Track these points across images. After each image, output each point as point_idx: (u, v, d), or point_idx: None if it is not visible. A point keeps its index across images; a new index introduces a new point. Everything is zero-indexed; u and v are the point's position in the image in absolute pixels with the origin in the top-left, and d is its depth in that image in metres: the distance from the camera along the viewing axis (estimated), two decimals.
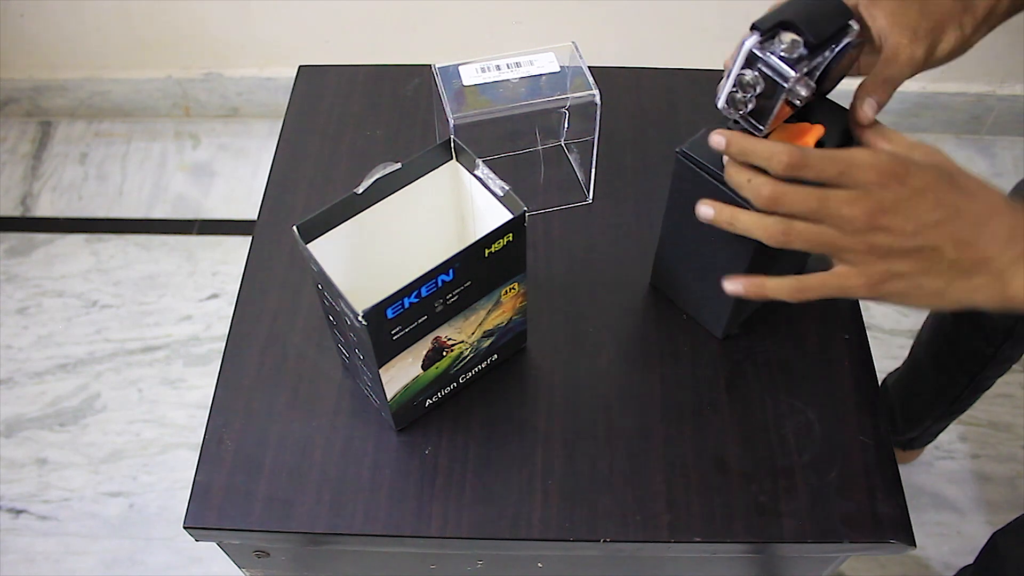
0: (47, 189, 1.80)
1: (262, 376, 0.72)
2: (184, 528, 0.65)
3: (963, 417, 1.46)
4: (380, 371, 0.61)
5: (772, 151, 0.54)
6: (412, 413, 0.68)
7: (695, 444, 0.68)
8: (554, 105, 0.73)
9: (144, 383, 1.53)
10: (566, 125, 0.83)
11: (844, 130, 0.61)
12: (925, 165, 0.53)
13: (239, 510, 0.65)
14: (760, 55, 0.55)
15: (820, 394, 0.71)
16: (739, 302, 0.69)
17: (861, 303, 0.77)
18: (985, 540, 0.92)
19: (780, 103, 0.57)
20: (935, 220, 0.52)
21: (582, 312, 0.75)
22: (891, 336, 1.55)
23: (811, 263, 0.78)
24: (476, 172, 0.63)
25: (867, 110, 0.59)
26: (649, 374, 0.72)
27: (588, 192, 0.82)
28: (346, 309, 0.56)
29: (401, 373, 0.63)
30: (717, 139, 0.56)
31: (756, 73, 0.56)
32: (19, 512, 1.39)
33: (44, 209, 1.77)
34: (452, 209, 0.68)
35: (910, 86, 0.63)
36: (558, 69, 0.75)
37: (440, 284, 0.58)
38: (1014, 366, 1.42)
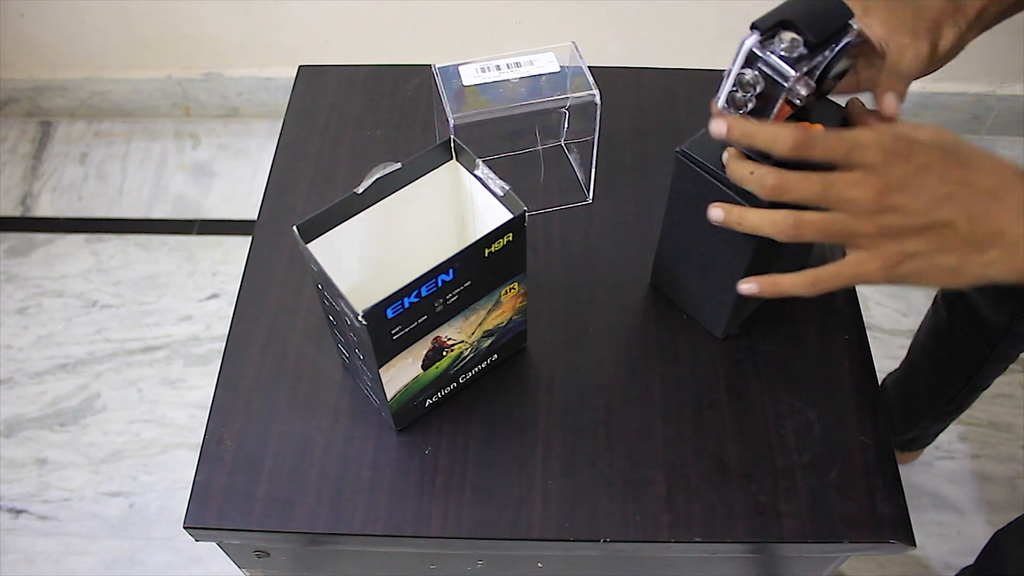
0: (47, 189, 1.80)
1: (262, 376, 0.72)
2: (184, 528, 0.65)
3: (963, 417, 1.45)
4: (380, 371, 0.61)
5: (776, 132, 0.53)
6: (412, 413, 0.68)
7: (695, 444, 0.68)
8: (554, 105, 0.73)
9: (144, 383, 1.53)
10: (566, 125, 0.83)
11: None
12: (929, 142, 0.53)
13: (239, 510, 0.65)
14: (760, 54, 0.55)
15: (820, 394, 0.71)
16: (739, 302, 0.69)
17: (861, 303, 0.77)
18: (985, 540, 0.92)
19: (780, 103, 0.57)
20: (943, 195, 0.51)
21: (582, 312, 0.75)
22: (891, 336, 1.55)
23: (813, 261, 0.78)
24: (476, 172, 0.63)
25: (891, 102, 0.60)
26: (649, 374, 0.72)
27: (588, 192, 0.82)
28: (346, 309, 0.56)
29: (401, 373, 0.63)
30: (718, 125, 0.55)
31: (756, 73, 0.56)
32: (19, 512, 1.39)
33: (44, 209, 1.77)
34: (452, 209, 0.68)
35: (910, 86, 0.63)
36: (558, 69, 0.75)
37: (440, 284, 0.58)
38: (1013, 366, 1.42)
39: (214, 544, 0.70)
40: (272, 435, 0.69)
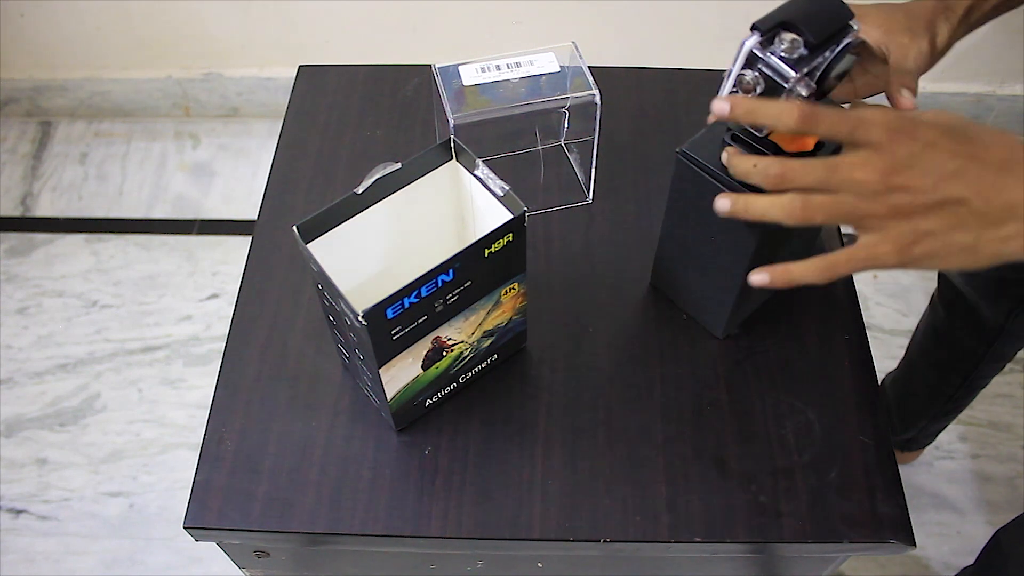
0: (47, 189, 1.80)
1: (262, 376, 0.72)
2: (184, 528, 0.65)
3: (963, 417, 1.45)
4: (380, 371, 0.61)
5: (781, 107, 0.52)
6: (412, 413, 0.68)
7: (695, 444, 0.68)
8: (554, 105, 0.73)
9: (144, 383, 1.53)
10: (566, 125, 0.83)
11: None
12: (934, 121, 0.52)
13: (239, 510, 0.65)
14: (760, 55, 0.55)
15: (820, 394, 0.71)
16: (739, 302, 0.69)
17: (861, 303, 0.77)
18: (985, 540, 0.92)
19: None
20: (952, 171, 0.50)
21: (582, 312, 0.75)
22: (891, 336, 1.55)
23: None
24: (476, 172, 0.63)
25: (907, 97, 0.60)
26: (649, 374, 0.72)
27: (588, 192, 0.82)
28: (346, 309, 0.56)
29: (401, 373, 0.63)
30: (721, 105, 0.54)
31: (756, 73, 0.56)
32: (19, 512, 1.39)
33: (44, 209, 1.77)
34: (452, 209, 0.68)
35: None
36: (558, 69, 0.75)
37: (440, 284, 0.58)
38: (1013, 366, 1.42)
39: (214, 544, 0.70)
40: (272, 435, 0.69)
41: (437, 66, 0.74)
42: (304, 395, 0.71)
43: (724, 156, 0.59)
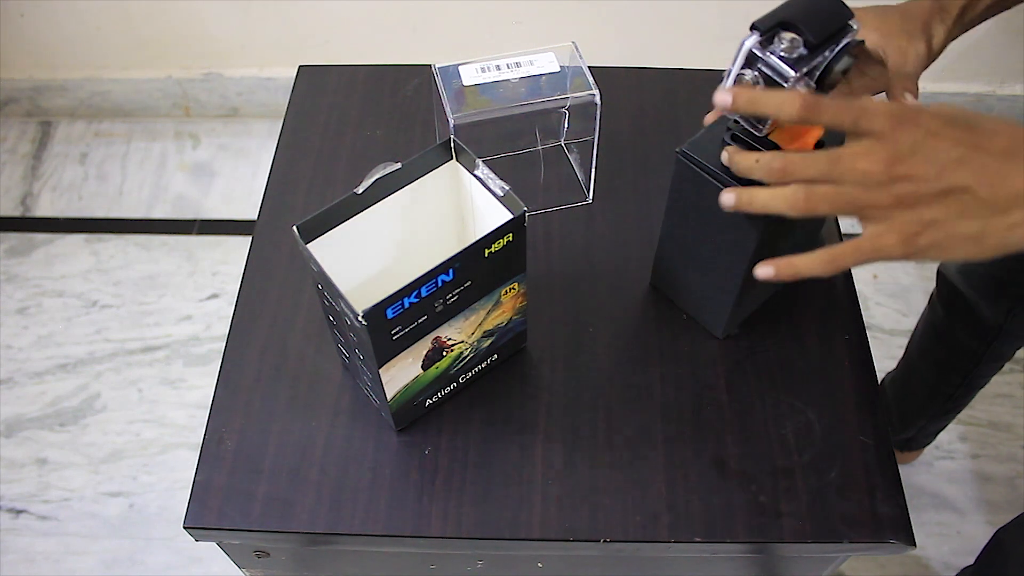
0: (47, 189, 1.80)
1: (262, 376, 0.72)
2: (184, 528, 0.65)
3: (963, 417, 1.45)
4: (380, 371, 0.61)
5: (783, 96, 0.52)
6: (412, 413, 0.68)
7: (695, 444, 0.68)
8: (554, 105, 0.73)
9: (144, 383, 1.53)
10: (566, 125, 0.83)
11: None
12: (937, 111, 0.52)
13: (239, 510, 0.65)
14: (760, 55, 0.55)
15: (820, 394, 0.71)
16: (739, 302, 0.69)
17: (861, 303, 0.77)
18: (985, 540, 0.92)
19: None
20: (956, 159, 0.50)
21: (582, 312, 0.75)
22: (891, 336, 1.55)
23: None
24: (476, 172, 0.63)
25: (909, 100, 0.61)
26: (649, 374, 0.72)
27: (588, 192, 0.82)
28: (346, 309, 0.56)
29: (401, 373, 0.63)
30: (723, 96, 0.54)
31: (756, 73, 0.56)
32: (19, 512, 1.39)
33: (44, 209, 1.77)
34: (452, 209, 0.68)
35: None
36: (558, 69, 0.75)
37: (440, 284, 0.58)
38: (1013, 366, 1.42)
39: (214, 544, 0.70)
40: (272, 435, 0.69)
41: (437, 66, 0.74)
42: (304, 395, 0.71)
43: (724, 156, 0.59)
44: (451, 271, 0.58)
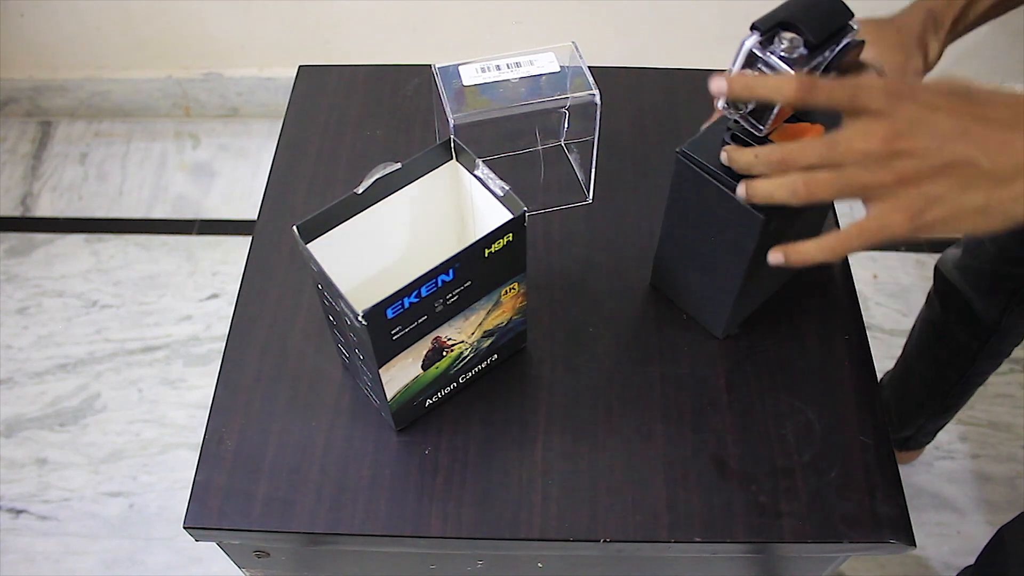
0: (47, 189, 1.80)
1: (262, 376, 0.72)
2: (184, 528, 0.65)
3: (963, 417, 1.46)
4: (380, 371, 0.61)
5: (779, 79, 0.52)
6: (412, 413, 0.68)
7: (695, 444, 0.68)
8: (554, 105, 0.73)
9: (144, 383, 1.53)
10: (566, 125, 0.83)
11: None
12: (935, 84, 0.51)
13: (239, 510, 0.65)
14: (760, 55, 0.55)
15: (820, 394, 0.71)
16: (739, 302, 0.69)
17: (861, 303, 0.77)
18: (985, 540, 0.92)
19: (778, 106, 0.57)
20: (956, 131, 0.49)
21: (582, 312, 0.75)
22: (891, 336, 1.55)
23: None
24: (476, 172, 0.63)
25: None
26: (649, 374, 0.72)
27: (588, 192, 0.82)
28: (346, 309, 0.56)
29: (401, 373, 0.63)
30: (718, 83, 0.54)
31: (756, 73, 0.56)
32: (19, 512, 1.39)
33: (44, 209, 1.77)
34: (452, 209, 0.68)
35: None
36: (558, 69, 0.75)
37: (440, 284, 0.58)
38: (1013, 366, 1.42)
39: (214, 544, 0.70)
40: (272, 435, 0.69)
41: (437, 66, 0.74)
42: (304, 395, 0.71)
43: (723, 155, 0.59)
44: (451, 271, 0.58)
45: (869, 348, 0.74)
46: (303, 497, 0.66)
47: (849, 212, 1.67)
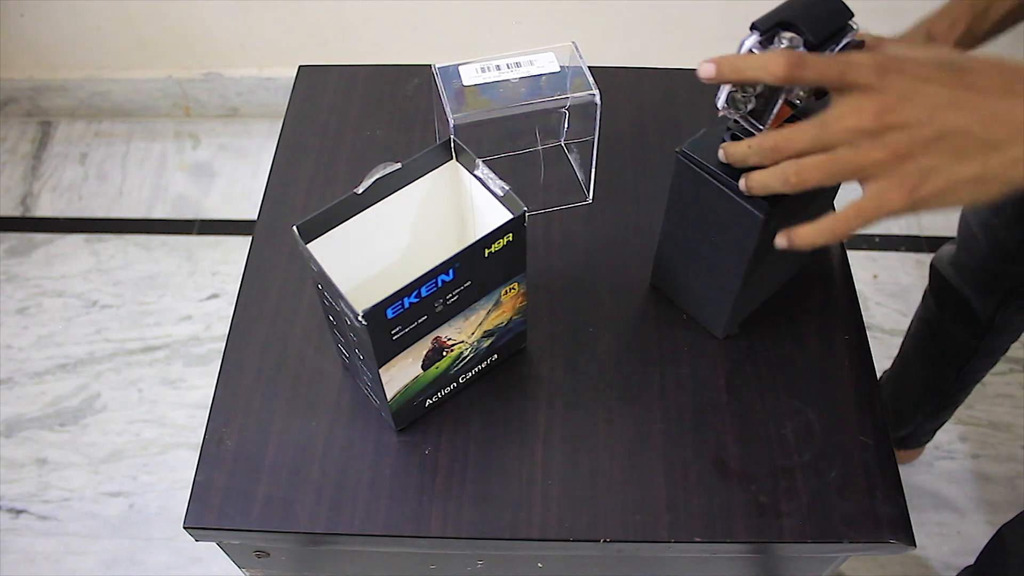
0: (47, 189, 1.80)
1: (262, 376, 0.72)
2: (184, 528, 0.65)
3: (963, 417, 1.46)
4: (380, 371, 0.61)
5: (767, 57, 0.51)
6: (412, 413, 0.68)
7: (695, 444, 0.68)
8: (554, 105, 0.73)
9: (144, 383, 1.53)
10: (566, 125, 0.83)
11: None
12: (924, 56, 0.51)
13: (239, 510, 0.65)
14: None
15: (820, 394, 0.71)
16: (739, 302, 0.69)
17: (861, 303, 0.77)
18: (985, 540, 0.92)
19: (780, 103, 0.57)
20: (947, 101, 0.49)
21: (582, 312, 0.75)
22: (891, 336, 1.55)
23: (816, 256, 0.78)
24: (476, 172, 0.63)
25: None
26: (649, 374, 0.72)
27: (588, 192, 0.82)
28: (346, 309, 0.56)
29: (401, 373, 0.63)
30: (707, 67, 0.53)
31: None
32: (19, 512, 1.39)
33: (44, 209, 1.77)
34: (452, 209, 0.68)
35: None
36: (558, 69, 0.75)
37: (440, 284, 0.58)
38: (1013, 366, 1.42)
39: (214, 544, 0.70)
40: (272, 435, 0.69)
41: (437, 66, 0.74)
42: (304, 395, 0.71)
43: (720, 153, 0.59)
44: (451, 271, 0.58)
45: (869, 348, 0.74)
46: (303, 497, 0.66)
47: None
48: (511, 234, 0.60)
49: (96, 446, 1.46)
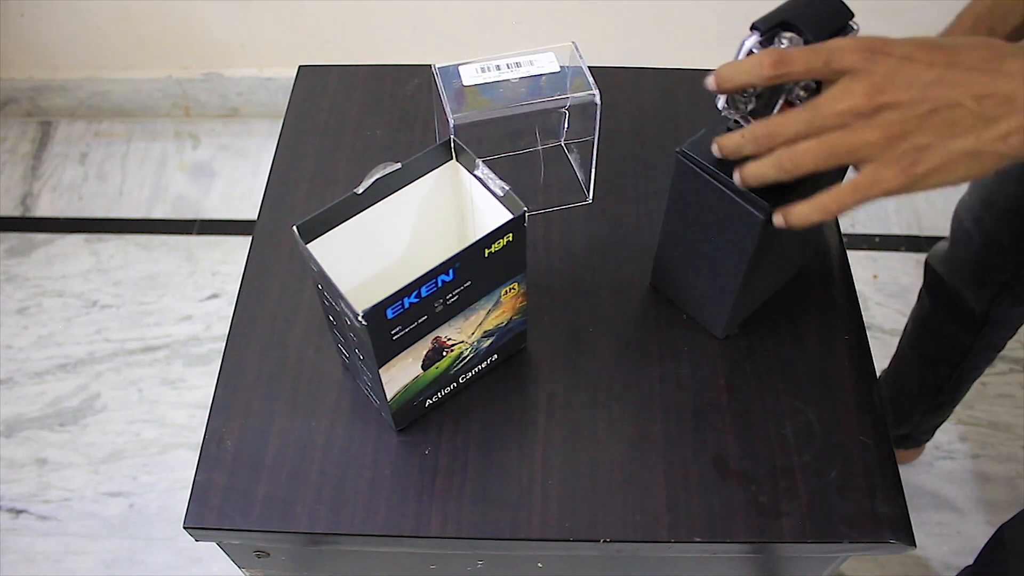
0: (47, 189, 1.80)
1: (262, 376, 0.72)
2: (184, 528, 0.65)
3: (963, 417, 1.46)
4: (380, 371, 0.61)
5: (753, 60, 0.52)
6: (412, 413, 0.68)
7: (695, 444, 0.68)
8: (554, 105, 0.73)
9: (144, 383, 1.53)
10: (566, 125, 0.83)
11: None
12: (906, 39, 0.51)
13: (239, 510, 0.65)
14: None
15: (820, 394, 0.71)
16: (739, 302, 0.69)
17: (861, 303, 0.77)
18: (985, 540, 0.92)
19: (780, 103, 0.57)
20: (935, 78, 0.49)
21: (582, 312, 0.75)
22: (891, 336, 1.55)
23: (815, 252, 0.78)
24: (476, 172, 0.63)
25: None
26: (649, 374, 0.72)
27: (588, 192, 0.82)
28: (346, 309, 0.56)
29: (401, 373, 0.63)
30: (709, 82, 0.55)
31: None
32: (19, 512, 1.39)
33: (44, 209, 1.77)
34: (452, 209, 0.68)
35: None
36: (558, 69, 0.75)
37: (440, 284, 0.58)
38: (1014, 367, 1.42)
39: (214, 544, 0.70)
40: (272, 435, 0.69)
41: (437, 66, 0.74)
42: (304, 395, 0.71)
43: (714, 147, 0.59)
44: (451, 271, 0.58)
45: (869, 348, 0.74)
46: (303, 497, 0.66)
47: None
48: (511, 234, 0.60)
49: (96, 446, 1.46)
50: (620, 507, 0.65)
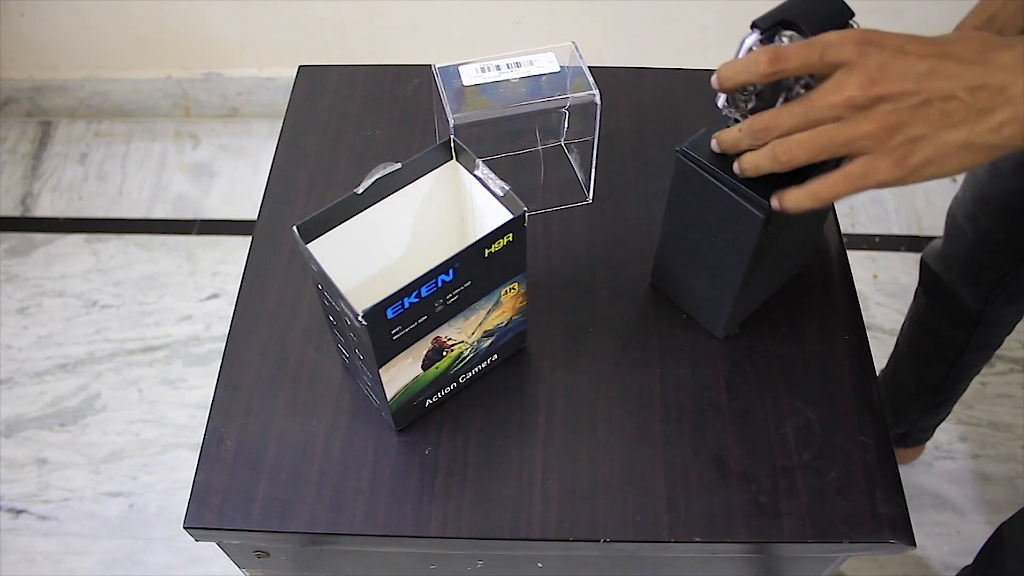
0: (47, 189, 1.80)
1: (262, 376, 0.72)
2: (184, 528, 0.65)
3: (963, 417, 1.46)
4: (380, 371, 0.61)
5: (749, 58, 0.53)
6: (412, 413, 0.68)
7: (695, 444, 0.68)
8: (554, 105, 0.73)
9: (144, 383, 1.53)
10: (566, 125, 0.83)
11: None
12: (899, 33, 0.52)
13: (239, 510, 0.65)
14: None
15: (820, 394, 0.71)
16: (739, 302, 0.69)
17: (861, 303, 0.77)
18: (985, 540, 0.92)
19: (780, 102, 0.57)
20: (927, 70, 0.50)
21: (582, 312, 0.75)
22: (891, 336, 1.55)
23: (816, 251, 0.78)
24: (476, 172, 0.63)
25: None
26: (649, 374, 0.72)
27: (588, 192, 0.82)
28: (346, 309, 0.56)
29: (401, 373, 0.63)
30: (714, 80, 0.56)
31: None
32: (19, 512, 1.40)
33: (44, 209, 1.77)
34: (452, 209, 0.68)
35: None
36: (558, 69, 0.75)
37: (440, 284, 0.58)
38: (1014, 367, 1.42)
39: (214, 544, 0.70)
40: (272, 435, 0.69)
41: (437, 66, 0.74)
42: (304, 395, 0.71)
43: (712, 142, 0.59)
44: (451, 271, 0.58)
45: (869, 348, 0.74)
46: (303, 497, 0.66)
47: (849, 211, 1.67)
48: (511, 234, 0.60)
49: (96, 446, 1.46)
50: (620, 507, 0.65)
